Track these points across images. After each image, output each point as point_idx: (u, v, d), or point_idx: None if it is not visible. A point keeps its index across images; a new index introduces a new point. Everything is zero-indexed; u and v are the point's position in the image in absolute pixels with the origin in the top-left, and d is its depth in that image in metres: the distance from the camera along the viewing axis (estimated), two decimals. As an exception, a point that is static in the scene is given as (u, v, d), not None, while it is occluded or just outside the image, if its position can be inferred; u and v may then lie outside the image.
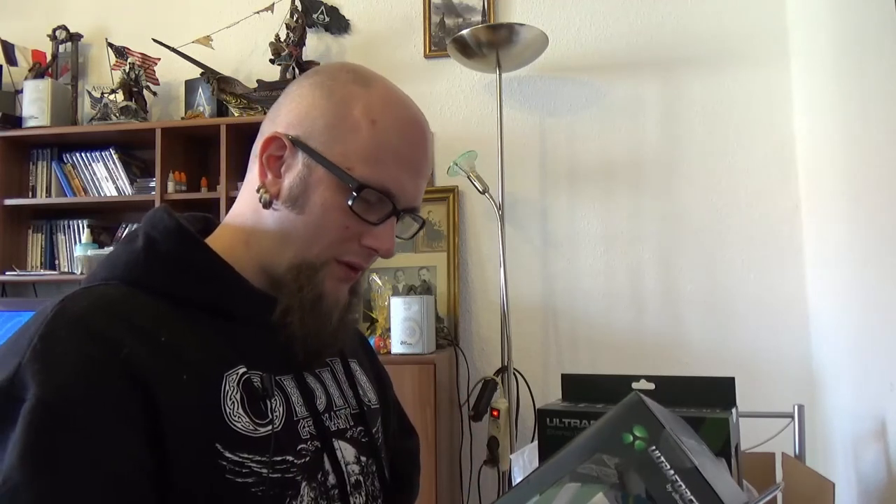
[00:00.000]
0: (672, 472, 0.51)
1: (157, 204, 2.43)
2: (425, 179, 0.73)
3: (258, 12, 2.58)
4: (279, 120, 0.70)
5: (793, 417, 1.61)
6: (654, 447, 0.52)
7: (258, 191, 0.69)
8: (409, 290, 2.39)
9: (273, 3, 2.57)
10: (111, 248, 0.72)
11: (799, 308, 2.23)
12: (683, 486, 0.51)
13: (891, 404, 1.48)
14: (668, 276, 2.34)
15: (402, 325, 2.14)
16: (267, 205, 0.68)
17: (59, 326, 0.59)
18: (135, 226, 2.63)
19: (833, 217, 1.93)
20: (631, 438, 0.53)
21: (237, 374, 0.64)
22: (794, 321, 2.23)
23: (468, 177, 2.26)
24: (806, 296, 2.23)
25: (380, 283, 2.41)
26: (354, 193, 0.66)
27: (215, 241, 0.72)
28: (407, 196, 0.70)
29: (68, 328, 0.59)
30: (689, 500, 0.50)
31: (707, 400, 0.85)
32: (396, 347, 2.14)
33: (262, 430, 0.63)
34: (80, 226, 2.64)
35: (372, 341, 1.91)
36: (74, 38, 2.73)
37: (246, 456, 0.61)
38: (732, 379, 0.86)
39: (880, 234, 1.54)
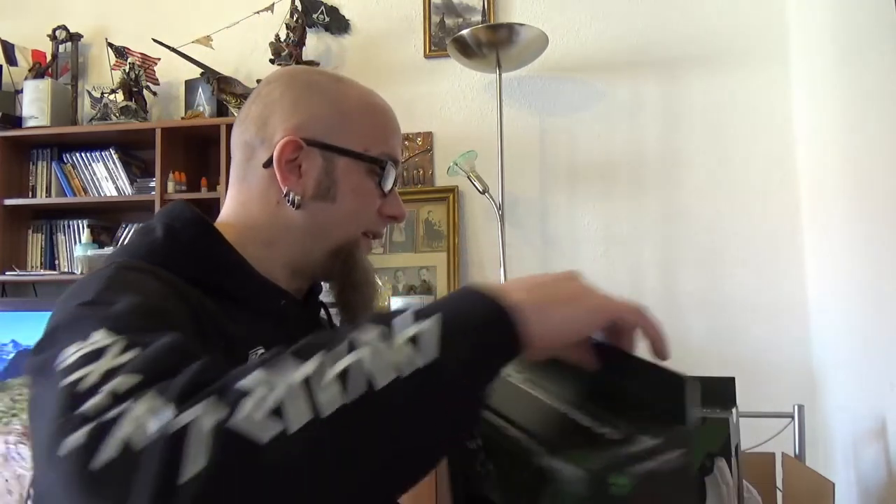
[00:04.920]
0: None
1: (158, 204, 2.44)
2: None
3: (258, 12, 2.58)
4: (278, 126, 0.73)
5: (793, 417, 1.61)
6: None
7: (286, 195, 0.73)
8: (409, 290, 2.39)
9: (273, 3, 2.57)
10: (127, 242, 0.72)
11: (799, 308, 2.23)
12: None
13: (891, 404, 1.48)
14: (668, 276, 2.34)
15: (402, 325, 2.14)
16: (298, 205, 0.73)
17: (124, 274, 0.61)
18: (133, 225, 2.63)
19: (833, 217, 1.93)
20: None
21: (257, 353, 0.67)
22: (794, 321, 2.22)
23: (468, 177, 2.26)
24: (806, 296, 2.23)
25: (380, 284, 2.41)
26: (381, 170, 0.75)
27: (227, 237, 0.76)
28: (400, 160, 0.80)
29: (135, 273, 0.61)
30: None
31: (707, 400, 0.85)
32: (396, 347, 2.13)
33: None
34: (80, 226, 2.64)
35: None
36: (74, 38, 2.73)
37: None
38: (732, 379, 0.86)
39: (880, 233, 1.54)
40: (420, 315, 0.46)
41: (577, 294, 0.51)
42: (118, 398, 0.43)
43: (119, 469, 0.39)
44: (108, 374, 0.46)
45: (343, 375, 0.42)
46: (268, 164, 0.73)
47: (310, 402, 0.41)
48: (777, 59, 2.32)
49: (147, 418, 0.41)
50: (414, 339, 0.44)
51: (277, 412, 0.40)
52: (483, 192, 2.25)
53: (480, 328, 0.46)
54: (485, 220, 2.46)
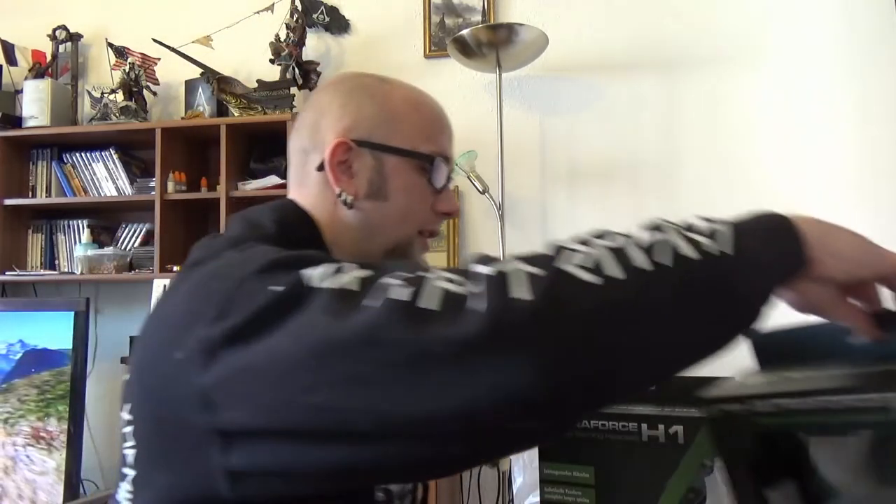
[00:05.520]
0: None
1: (157, 204, 2.43)
2: None
3: (258, 12, 2.58)
4: (329, 130, 0.75)
5: (793, 417, 1.61)
6: None
7: (340, 196, 0.74)
8: (409, 290, 2.38)
9: (273, 3, 2.57)
10: (227, 232, 0.70)
11: (799, 308, 2.22)
12: None
13: (891, 404, 1.48)
14: (668, 276, 2.34)
15: (402, 325, 2.14)
16: (351, 205, 0.74)
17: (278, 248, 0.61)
18: (133, 225, 2.62)
19: (833, 217, 1.93)
20: None
21: None
22: (794, 321, 2.22)
23: (468, 177, 2.26)
24: (806, 296, 2.22)
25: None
26: (430, 166, 0.76)
27: None
28: (452, 156, 0.81)
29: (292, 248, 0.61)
30: None
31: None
32: (396, 347, 2.13)
33: None
34: (80, 226, 2.64)
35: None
36: (74, 38, 2.73)
37: None
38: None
39: (881, 232, 1.54)
40: (711, 219, 0.53)
41: (860, 236, 0.55)
42: (408, 280, 0.47)
43: (450, 301, 0.45)
44: (367, 281, 0.48)
45: (649, 249, 0.48)
46: (321, 167, 0.75)
47: (622, 262, 0.47)
48: (777, 59, 2.32)
49: (450, 284, 0.46)
50: (711, 234, 0.50)
51: (596, 268, 0.46)
52: (483, 192, 2.25)
53: (770, 233, 0.53)
54: (485, 220, 2.47)
